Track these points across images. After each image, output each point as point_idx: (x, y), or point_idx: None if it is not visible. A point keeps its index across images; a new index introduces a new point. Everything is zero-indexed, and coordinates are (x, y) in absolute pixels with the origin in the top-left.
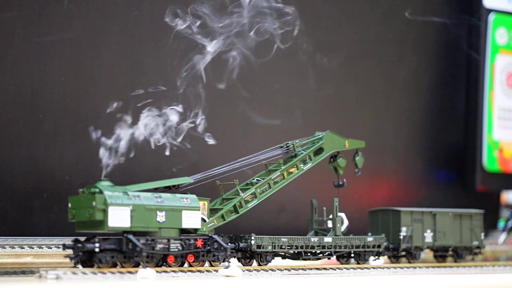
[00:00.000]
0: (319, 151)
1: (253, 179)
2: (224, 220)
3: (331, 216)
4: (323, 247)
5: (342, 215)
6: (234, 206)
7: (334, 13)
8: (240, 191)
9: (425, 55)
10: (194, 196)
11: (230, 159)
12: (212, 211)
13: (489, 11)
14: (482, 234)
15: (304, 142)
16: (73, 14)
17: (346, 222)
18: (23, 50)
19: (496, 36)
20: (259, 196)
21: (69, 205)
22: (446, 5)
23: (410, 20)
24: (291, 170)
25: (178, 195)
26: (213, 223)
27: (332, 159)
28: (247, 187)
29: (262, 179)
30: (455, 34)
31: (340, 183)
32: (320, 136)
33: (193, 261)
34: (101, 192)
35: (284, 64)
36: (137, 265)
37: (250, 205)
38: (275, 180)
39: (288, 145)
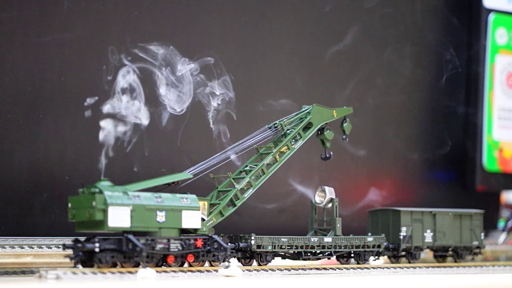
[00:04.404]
0: (308, 126)
1: (246, 166)
2: (223, 215)
3: (322, 193)
4: (323, 247)
5: (328, 188)
6: (231, 199)
7: (333, 12)
8: (234, 183)
9: (425, 54)
10: (194, 196)
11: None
12: (210, 206)
13: (489, 11)
14: (482, 234)
15: (291, 119)
16: (73, 14)
17: (328, 196)
18: (23, 50)
19: (496, 36)
20: (254, 184)
21: (69, 205)
22: (446, 4)
23: (410, 20)
24: (282, 150)
25: (178, 195)
26: (212, 221)
27: (319, 132)
28: (240, 176)
29: (255, 165)
30: (455, 34)
31: (327, 155)
32: (308, 110)
33: (193, 261)
34: (101, 192)
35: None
36: (137, 265)
37: (247, 194)
38: (268, 163)
39: (276, 125)
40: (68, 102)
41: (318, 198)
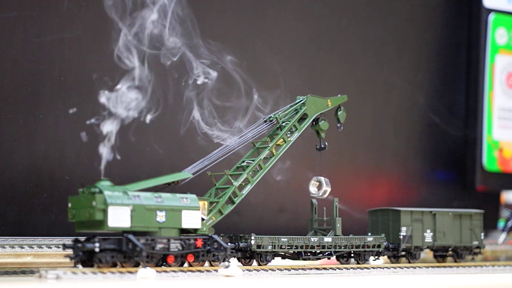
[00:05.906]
0: (303, 117)
1: (243, 162)
2: (222, 214)
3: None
4: (323, 247)
5: (323, 179)
6: (229, 197)
7: (334, 11)
8: (232, 180)
9: (425, 54)
10: (194, 196)
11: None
12: (210, 205)
13: (489, 11)
14: (482, 234)
15: (286, 111)
16: (73, 14)
17: (325, 186)
18: (23, 50)
19: (496, 36)
20: (252, 180)
21: (69, 205)
22: (446, 5)
23: (410, 20)
24: (278, 143)
25: (178, 195)
26: (211, 220)
27: (314, 123)
28: (237, 172)
29: (252, 160)
30: (455, 34)
31: (322, 146)
32: (302, 101)
33: (193, 261)
34: (101, 192)
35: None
36: (137, 265)
37: (245, 191)
38: (265, 157)
39: (271, 118)
40: (68, 102)
41: (312, 188)
